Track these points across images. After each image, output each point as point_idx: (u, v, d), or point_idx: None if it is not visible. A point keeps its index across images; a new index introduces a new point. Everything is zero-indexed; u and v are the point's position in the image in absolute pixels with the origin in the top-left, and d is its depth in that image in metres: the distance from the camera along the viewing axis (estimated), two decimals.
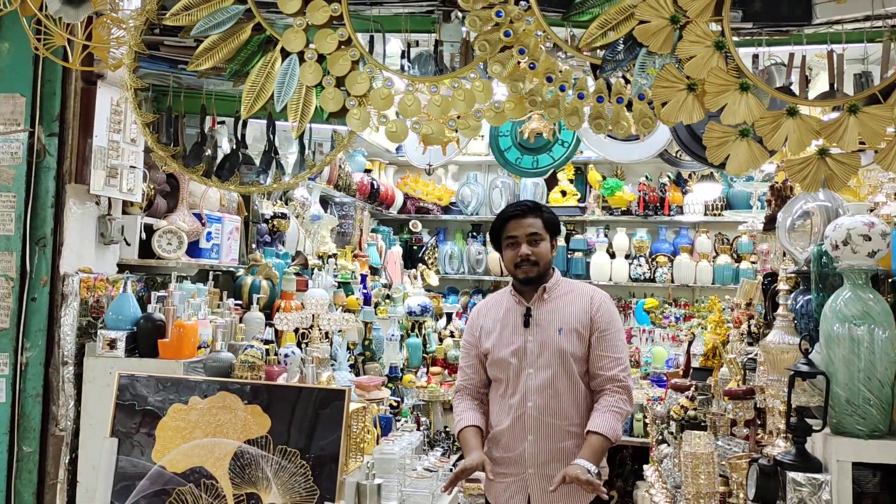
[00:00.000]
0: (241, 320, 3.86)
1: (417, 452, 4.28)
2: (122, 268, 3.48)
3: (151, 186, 3.65)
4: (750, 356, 3.32)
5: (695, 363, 4.40)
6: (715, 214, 6.86)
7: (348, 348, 4.95)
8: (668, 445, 4.08)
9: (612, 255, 7.10)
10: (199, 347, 3.20)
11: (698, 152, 3.15)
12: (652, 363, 6.79)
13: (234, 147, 3.26)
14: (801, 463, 2.25)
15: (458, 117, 2.44)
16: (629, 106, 2.33)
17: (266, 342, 3.70)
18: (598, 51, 2.35)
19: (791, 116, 2.21)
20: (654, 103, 2.29)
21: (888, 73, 2.28)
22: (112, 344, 3.08)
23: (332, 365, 4.23)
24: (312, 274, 4.85)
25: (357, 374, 4.89)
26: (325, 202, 5.98)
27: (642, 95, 2.30)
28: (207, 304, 3.51)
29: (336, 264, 5.32)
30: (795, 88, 2.57)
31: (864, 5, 2.34)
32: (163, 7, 2.62)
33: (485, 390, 3.06)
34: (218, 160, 3.26)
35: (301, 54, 2.49)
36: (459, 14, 2.64)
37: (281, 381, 3.32)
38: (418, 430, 4.67)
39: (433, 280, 7.07)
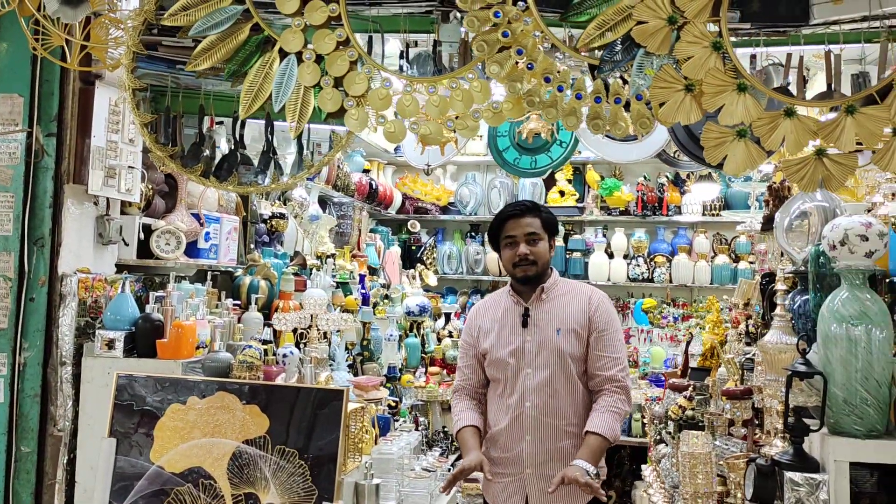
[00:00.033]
0: (239, 320, 3.86)
1: (416, 452, 4.28)
2: (120, 268, 3.48)
3: (150, 186, 3.65)
4: (748, 356, 3.32)
5: (693, 363, 4.40)
6: (713, 214, 6.87)
7: (346, 348, 4.95)
8: (666, 445, 4.09)
9: (611, 256, 7.10)
10: (198, 347, 3.20)
11: (696, 153, 3.15)
12: (650, 363, 6.79)
13: (233, 147, 3.26)
14: (799, 463, 2.25)
15: (457, 117, 2.45)
16: (627, 106, 2.33)
17: (264, 342, 3.71)
18: (596, 51, 2.36)
19: (788, 117, 2.21)
20: (652, 104, 2.29)
21: (885, 73, 2.28)
22: (110, 344, 3.08)
23: (330, 365, 4.24)
24: (311, 274, 4.85)
25: (355, 374, 4.89)
26: (323, 202, 5.98)
27: (640, 96, 2.30)
28: (206, 304, 3.50)
29: (334, 264, 5.32)
30: (793, 89, 2.57)
31: (862, 6, 2.34)
32: (161, 7, 2.62)
33: (483, 390, 3.06)
34: (216, 160, 3.26)
35: (299, 55, 2.49)
36: (458, 14, 2.64)
37: (279, 381, 3.32)
38: (417, 430, 4.67)
39: (431, 280, 7.08)
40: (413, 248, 7.48)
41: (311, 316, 3.92)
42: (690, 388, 3.99)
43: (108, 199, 3.36)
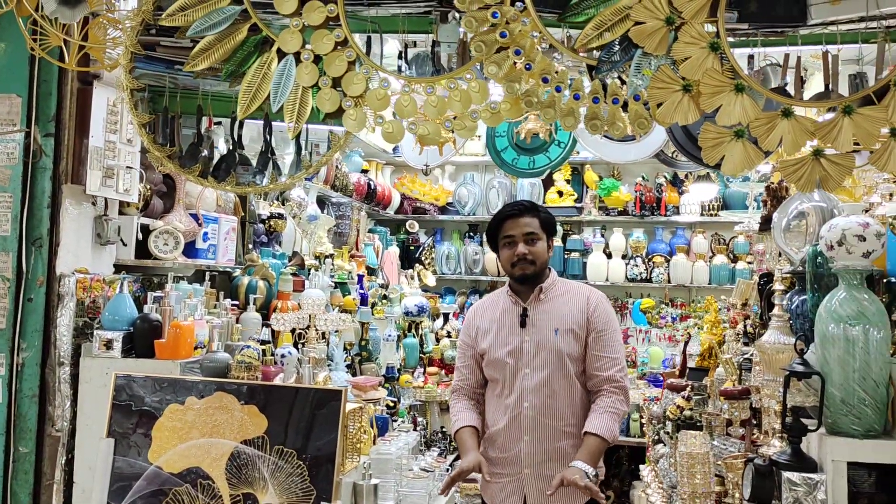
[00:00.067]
0: (237, 321, 3.86)
1: (414, 452, 4.28)
2: (118, 268, 3.48)
3: (148, 187, 3.65)
4: (746, 356, 3.33)
5: (691, 363, 4.40)
6: (711, 215, 6.87)
7: (345, 348, 4.95)
8: (665, 445, 4.09)
9: (609, 256, 7.10)
10: (196, 348, 3.20)
11: (694, 153, 3.15)
12: (648, 363, 6.79)
13: (231, 147, 3.26)
14: (797, 463, 2.25)
15: (455, 118, 2.45)
16: (625, 107, 2.34)
17: (263, 342, 3.71)
18: (594, 52, 2.36)
19: (786, 117, 2.22)
20: (650, 104, 2.29)
21: (883, 73, 2.29)
22: (108, 344, 3.08)
23: (328, 365, 4.24)
24: (309, 274, 4.85)
25: (354, 375, 4.89)
26: (321, 202, 5.98)
27: (638, 96, 2.31)
28: (204, 304, 3.50)
29: (333, 264, 5.32)
30: (790, 89, 2.58)
31: (859, 6, 2.35)
32: (159, 7, 2.62)
33: (481, 390, 3.06)
34: (214, 161, 3.26)
35: (297, 55, 2.49)
36: (456, 15, 2.64)
37: (277, 381, 3.32)
38: (415, 430, 4.67)
39: (430, 280, 7.08)
40: (411, 248, 7.47)
41: (310, 316, 3.92)
42: (688, 389, 3.99)
43: (106, 199, 3.36)
